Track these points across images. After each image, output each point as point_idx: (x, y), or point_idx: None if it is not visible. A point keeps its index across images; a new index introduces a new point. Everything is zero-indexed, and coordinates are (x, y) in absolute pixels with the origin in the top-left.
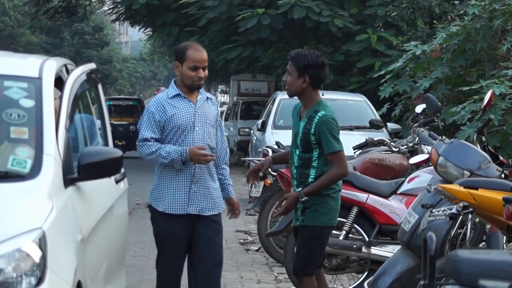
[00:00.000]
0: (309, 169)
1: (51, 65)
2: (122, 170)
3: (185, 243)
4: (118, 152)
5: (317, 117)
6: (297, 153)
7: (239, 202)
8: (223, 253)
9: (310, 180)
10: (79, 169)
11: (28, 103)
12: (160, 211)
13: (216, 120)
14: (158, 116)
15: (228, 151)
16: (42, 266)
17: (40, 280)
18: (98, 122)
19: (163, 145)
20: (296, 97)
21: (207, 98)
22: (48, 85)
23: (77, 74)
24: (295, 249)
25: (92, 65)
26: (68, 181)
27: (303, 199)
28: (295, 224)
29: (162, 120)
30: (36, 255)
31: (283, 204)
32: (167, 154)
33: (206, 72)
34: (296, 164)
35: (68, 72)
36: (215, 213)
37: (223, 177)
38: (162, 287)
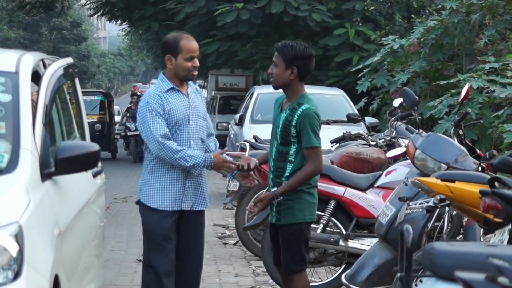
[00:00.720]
0: (285, 163)
1: (28, 60)
2: (99, 164)
3: (175, 238)
4: (95, 146)
5: (300, 110)
6: (275, 145)
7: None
8: (203, 253)
9: (286, 174)
10: (56, 163)
11: (5, 97)
12: (153, 208)
13: (204, 112)
14: (161, 111)
15: (214, 141)
16: (19, 260)
17: (17, 274)
18: (75, 117)
19: (184, 148)
20: (276, 91)
21: (196, 90)
22: (25, 80)
23: (54, 69)
24: (281, 247)
25: (69, 60)
26: (45, 175)
27: (279, 199)
28: (272, 220)
29: (163, 115)
30: (13, 249)
31: (258, 204)
32: (190, 158)
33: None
34: (273, 157)
35: (45, 66)
36: (204, 208)
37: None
38: (156, 284)
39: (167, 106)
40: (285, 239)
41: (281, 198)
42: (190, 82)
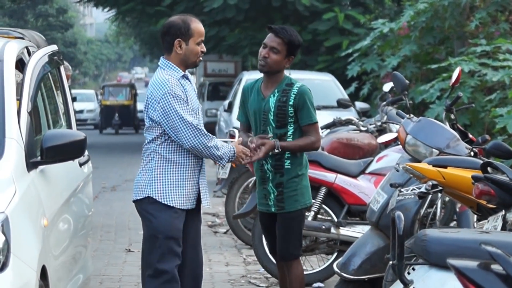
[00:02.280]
0: None
1: (12, 47)
2: (86, 153)
3: None
4: (81, 135)
5: (295, 88)
6: (271, 130)
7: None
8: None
9: (286, 155)
10: (42, 152)
11: None
12: (168, 205)
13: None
14: (185, 97)
15: None
16: (5, 251)
17: (3, 265)
18: (61, 105)
19: (213, 138)
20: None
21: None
22: (9, 68)
23: (39, 56)
24: (279, 235)
25: (54, 47)
26: (31, 164)
27: (277, 150)
28: (271, 210)
29: (187, 102)
30: None
31: (262, 148)
32: (221, 147)
33: None
34: None
35: (29, 54)
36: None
37: None
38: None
39: (184, 95)
40: (286, 226)
41: (279, 151)
42: None
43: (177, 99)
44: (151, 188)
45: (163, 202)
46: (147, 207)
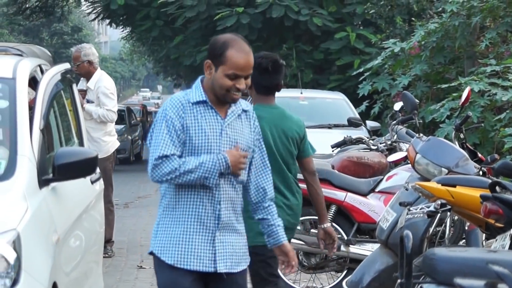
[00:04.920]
0: None
1: (25, 65)
2: (98, 170)
3: None
4: (93, 153)
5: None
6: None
7: (293, 249)
8: None
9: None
10: (54, 170)
11: (2, 103)
12: (169, 264)
13: (251, 142)
14: (179, 124)
15: (271, 181)
16: (16, 267)
17: (15, 282)
18: (73, 122)
19: (187, 158)
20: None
21: (243, 111)
22: (22, 86)
23: (52, 74)
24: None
25: (66, 65)
26: (43, 181)
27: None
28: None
29: (180, 132)
30: (11, 256)
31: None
32: (196, 168)
33: (249, 80)
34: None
35: (42, 72)
36: (242, 268)
37: (269, 216)
38: None
39: (189, 122)
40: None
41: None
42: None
43: (165, 121)
44: (155, 240)
45: (161, 258)
46: (154, 262)
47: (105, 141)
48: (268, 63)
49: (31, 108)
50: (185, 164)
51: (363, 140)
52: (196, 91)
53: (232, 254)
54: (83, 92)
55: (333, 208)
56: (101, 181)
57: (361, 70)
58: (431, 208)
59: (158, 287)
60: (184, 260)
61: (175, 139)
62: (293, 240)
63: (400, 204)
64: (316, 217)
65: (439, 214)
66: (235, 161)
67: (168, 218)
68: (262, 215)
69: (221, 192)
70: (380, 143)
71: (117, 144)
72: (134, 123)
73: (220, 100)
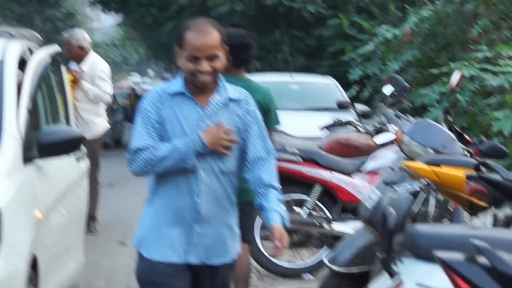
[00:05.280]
0: None
1: (14, 48)
2: (84, 149)
3: None
4: (78, 132)
5: None
6: None
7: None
8: None
9: None
10: (39, 148)
11: None
12: (145, 257)
13: (242, 133)
14: (155, 116)
15: (271, 168)
16: None
17: None
18: (61, 103)
19: (160, 145)
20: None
21: (230, 100)
22: (10, 67)
23: (40, 56)
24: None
25: (55, 47)
26: (28, 159)
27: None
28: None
29: (157, 124)
30: None
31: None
32: (170, 153)
33: (217, 63)
34: None
35: (32, 54)
36: (224, 261)
37: (263, 202)
38: None
39: (165, 114)
40: None
41: None
42: (223, 88)
43: (142, 114)
44: (136, 232)
45: (139, 250)
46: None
47: (95, 122)
48: (232, 39)
49: (20, 89)
50: (158, 152)
51: (352, 123)
52: (175, 82)
53: (211, 247)
54: (79, 72)
55: (319, 188)
56: (87, 159)
57: (353, 56)
58: (415, 187)
59: (135, 275)
60: (159, 252)
61: (151, 131)
62: None
63: (385, 183)
64: (301, 197)
65: (423, 193)
66: (213, 138)
67: (149, 211)
68: (258, 201)
69: (200, 186)
70: (369, 126)
71: (106, 126)
72: (116, 108)
73: (198, 87)
